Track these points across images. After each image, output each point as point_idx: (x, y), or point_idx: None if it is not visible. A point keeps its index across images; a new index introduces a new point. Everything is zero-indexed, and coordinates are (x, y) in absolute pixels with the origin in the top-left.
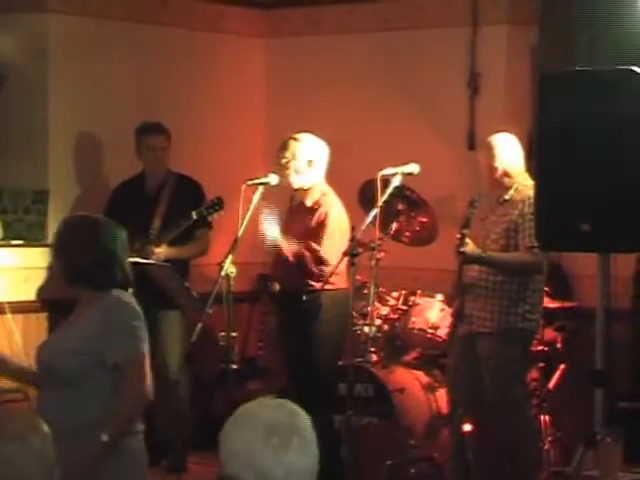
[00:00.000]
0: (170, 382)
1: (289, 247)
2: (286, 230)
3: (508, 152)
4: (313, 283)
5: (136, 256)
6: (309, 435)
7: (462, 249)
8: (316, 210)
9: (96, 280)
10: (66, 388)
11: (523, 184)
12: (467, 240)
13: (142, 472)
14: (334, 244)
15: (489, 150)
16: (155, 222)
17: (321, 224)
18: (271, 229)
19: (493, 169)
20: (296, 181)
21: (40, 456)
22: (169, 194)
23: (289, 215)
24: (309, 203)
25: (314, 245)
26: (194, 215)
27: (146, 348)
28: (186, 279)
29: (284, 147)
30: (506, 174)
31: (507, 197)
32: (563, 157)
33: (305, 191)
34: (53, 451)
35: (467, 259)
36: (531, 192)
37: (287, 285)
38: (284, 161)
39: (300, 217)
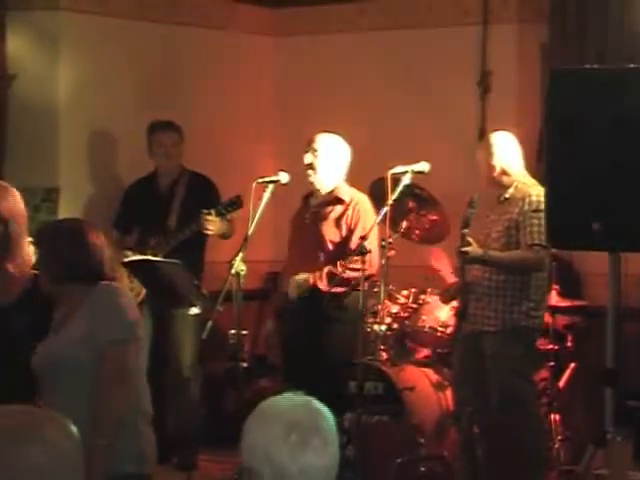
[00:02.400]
0: (183, 379)
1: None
2: (320, 224)
3: (506, 150)
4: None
5: (151, 253)
6: (330, 437)
7: (464, 249)
8: (356, 205)
9: (87, 275)
10: (73, 383)
11: (523, 182)
12: (470, 240)
13: (151, 451)
14: (374, 234)
15: (487, 148)
16: (171, 219)
17: (363, 217)
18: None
19: (491, 167)
20: (317, 180)
21: (70, 463)
22: (182, 192)
23: (315, 211)
24: (347, 198)
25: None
26: (213, 213)
27: (129, 336)
28: (201, 277)
29: (307, 146)
30: (504, 172)
31: (507, 195)
32: (574, 155)
33: (330, 193)
34: (81, 455)
35: (469, 259)
36: (531, 190)
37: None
38: (307, 161)
39: (337, 211)
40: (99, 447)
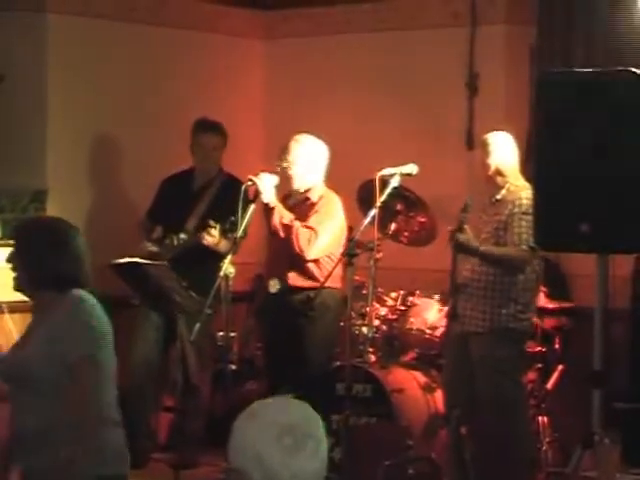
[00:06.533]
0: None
1: (281, 211)
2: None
3: (502, 151)
4: (306, 282)
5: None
6: (322, 443)
7: (457, 235)
8: (322, 202)
9: (63, 283)
10: (37, 393)
11: (515, 184)
12: (465, 227)
13: (123, 463)
14: (331, 232)
15: (484, 147)
16: (191, 221)
17: (323, 211)
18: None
19: (486, 166)
20: (296, 183)
21: None
22: (212, 194)
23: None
24: (315, 198)
25: (309, 223)
26: (218, 228)
27: (97, 351)
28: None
29: (285, 150)
30: (499, 173)
31: (499, 197)
32: (561, 157)
33: (304, 192)
34: None
35: (459, 247)
36: (522, 192)
37: (285, 280)
38: (285, 165)
39: (303, 210)
40: (83, 451)
